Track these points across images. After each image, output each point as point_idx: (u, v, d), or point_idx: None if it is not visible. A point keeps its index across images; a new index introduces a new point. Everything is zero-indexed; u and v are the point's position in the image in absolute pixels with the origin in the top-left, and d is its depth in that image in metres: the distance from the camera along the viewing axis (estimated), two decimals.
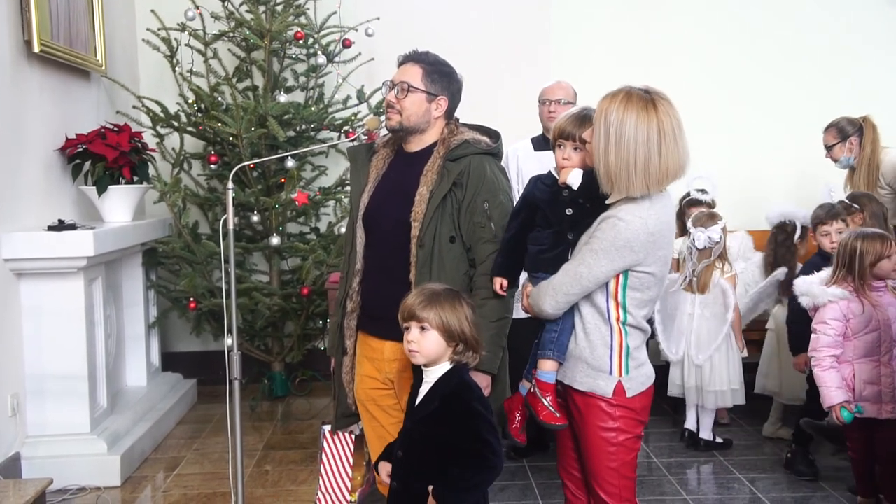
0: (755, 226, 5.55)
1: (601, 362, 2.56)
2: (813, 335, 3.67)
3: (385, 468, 2.69)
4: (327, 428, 3.41)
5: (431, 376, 2.58)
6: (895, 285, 3.69)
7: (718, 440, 4.72)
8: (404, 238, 2.85)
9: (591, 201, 2.58)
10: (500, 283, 2.80)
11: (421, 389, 2.61)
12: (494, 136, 3.00)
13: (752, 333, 5.00)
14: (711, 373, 4.60)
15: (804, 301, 3.74)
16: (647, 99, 2.47)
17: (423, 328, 2.54)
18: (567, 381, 2.61)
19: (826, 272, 3.75)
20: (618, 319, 2.56)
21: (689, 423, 4.75)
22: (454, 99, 2.97)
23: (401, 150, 3.02)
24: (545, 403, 2.59)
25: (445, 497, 2.50)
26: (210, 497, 4.17)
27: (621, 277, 2.53)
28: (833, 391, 3.56)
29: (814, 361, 3.66)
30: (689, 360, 4.62)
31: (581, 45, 6.08)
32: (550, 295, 2.55)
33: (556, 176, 2.67)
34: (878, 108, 6.02)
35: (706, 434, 4.70)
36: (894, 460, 3.61)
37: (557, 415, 2.60)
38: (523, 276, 2.81)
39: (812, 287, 3.71)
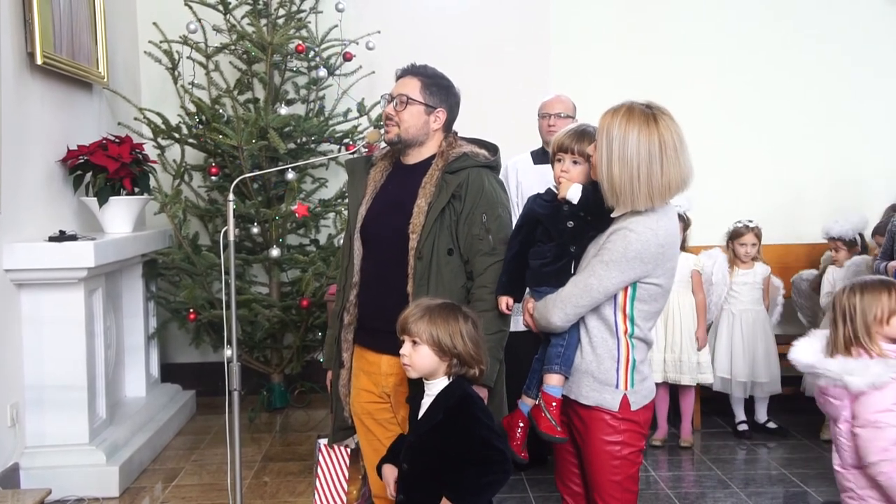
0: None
1: (608, 376, 2.56)
2: (874, 430, 2.74)
3: (392, 472, 2.68)
4: (323, 441, 3.40)
5: (433, 389, 2.59)
6: None
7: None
8: (402, 250, 2.86)
9: (591, 214, 2.60)
10: (505, 301, 2.78)
11: (423, 402, 2.61)
12: (493, 149, 3.01)
13: None
14: None
15: (853, 383, 2.76)
16: (648, 114, 2.49)
17: (414, 342, 2.54)
18: (573, 396, 2.61)
19: (816, 339, 2.96)
20: (625, 332, 2.56)
21: None
22: (452, 112, 2.99)
23: (398, 162, 3.03)
24: (548, 416, 2.58)
25: (458, 497, 2.50)
26: None
27: (630, 290, 2.54)
28: None
29: (886, 465, 2.72)
30: None
31: (581, 58, 6.09)
32: (559, 307, 2.54)
33: (555, 191, 2.69)
34: (879, 109, 6.11)
35: None
36: None
37: (558, 428, 2.59)
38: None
39: (848, 363, 2.79)
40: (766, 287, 5.29)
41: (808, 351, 2.94)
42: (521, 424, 2.70)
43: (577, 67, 6.05)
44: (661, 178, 2.46)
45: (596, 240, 2.60)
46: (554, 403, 2.59)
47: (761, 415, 5.27)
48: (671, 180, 2.48)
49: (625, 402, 2.56)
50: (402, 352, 2.57)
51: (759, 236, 5.22)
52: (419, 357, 2.54)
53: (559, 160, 2.68)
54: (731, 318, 5.20)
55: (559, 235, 2.63)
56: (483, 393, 2.81)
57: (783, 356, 5.26)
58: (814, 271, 5.51)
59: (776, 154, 6.11)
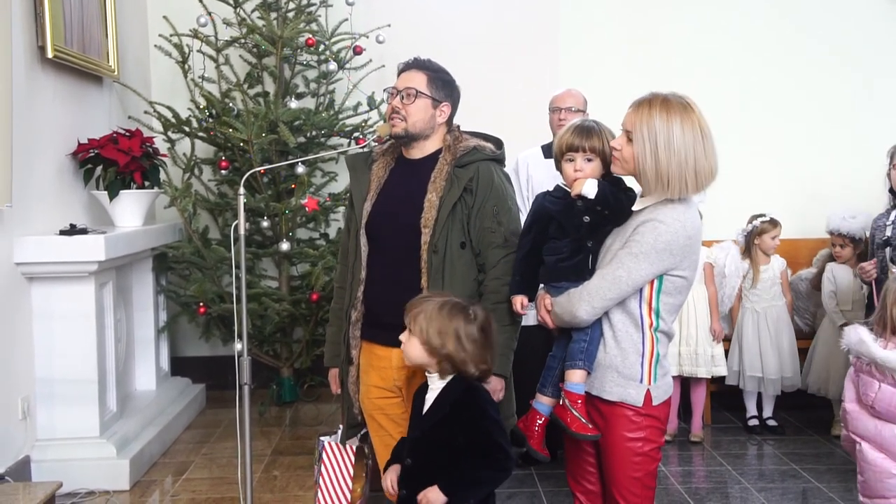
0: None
1: (632, 370, 2.53)
2: None
3: (393, 471, 2.67)
4: (326, 439, 3.38)
5: (437, 384, 2.58)
6: None
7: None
8: (412, 245, 2.85)
9: (609, 208, 2.58)
10: (520, 301, 2.76)
11: (427, 397, 2.61)
12: (497, 142, 3.02)
13: None
14: None
15: None
16: (682, 102, 2.52)
17: (410, 331, 2.57)
18: (594, 392, 2.57)
19: (864, 332, 3.05)
20: (650, 326, 2.54)
21: None
22: (455, 106, 2.99)
23: (401, 157, 3.02)
24: (576, 415, 2.54)
25: (453, 487, 2.49)
26: (218, 502, 4.18)
27: (656, 282, 2.51)
28: None
29: None
30: None
31: (590, 51, 6.07)
32: (586, 300, 2.51)
33: (565, 188, 2.66)
34: (878, 108, 6.07)
35: None
36: None
37: (590, 425, 2.55)
38: None
39: None
40: (785, 280, 5.26)
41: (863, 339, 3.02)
42: (539, 422, 2.66)
43: (586, 65, 6.00)
44: (706, 162, 2.49)
45: (616, 232, 2.58)
46: (579, 401, 2.56)
47: (767, 411, 5.25)
48: (713, 165, 2.51)
49: (648, 398, 2.53)
50: (400, 336, 2.59)
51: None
52: (410, 347, 2.58)
53: (570, 160, 2.65)
54: (756, 316, 5.17)
55: (575, 231, 2.61)
56: (500, 383, 2.83)
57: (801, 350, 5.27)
58: (812, 270, 5.47)
59: (785, 150, 6.08)
